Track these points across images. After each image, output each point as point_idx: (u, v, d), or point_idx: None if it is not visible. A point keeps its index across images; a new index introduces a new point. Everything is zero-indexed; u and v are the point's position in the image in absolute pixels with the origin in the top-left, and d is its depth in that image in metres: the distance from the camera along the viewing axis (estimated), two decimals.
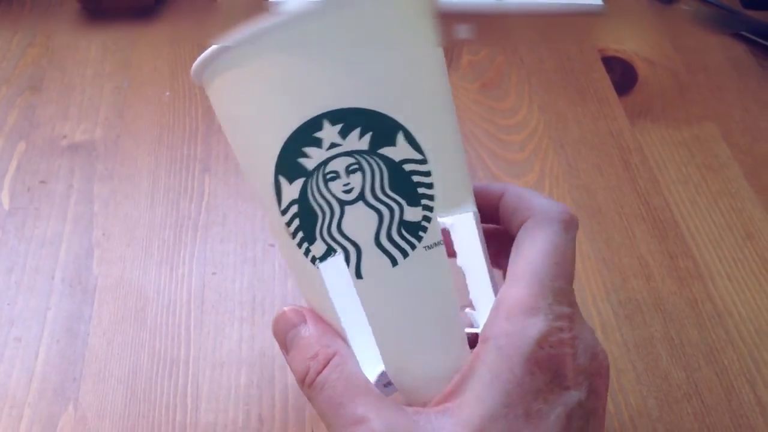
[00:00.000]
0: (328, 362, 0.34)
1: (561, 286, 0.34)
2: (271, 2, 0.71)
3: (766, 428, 0.45)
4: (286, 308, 0.37)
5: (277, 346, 0.48)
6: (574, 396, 0.32)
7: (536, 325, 0.33)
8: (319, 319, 0.36)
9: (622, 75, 0.67)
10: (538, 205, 0.36)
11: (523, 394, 0.32)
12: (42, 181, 0.57)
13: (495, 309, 0.34)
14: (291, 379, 0.46)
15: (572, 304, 0.34)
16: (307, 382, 0.34)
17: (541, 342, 0.32)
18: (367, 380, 0.34)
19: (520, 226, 0.36)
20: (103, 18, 0.71)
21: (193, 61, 0.34)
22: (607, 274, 0.52)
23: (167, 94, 0.64)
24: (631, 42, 0.70)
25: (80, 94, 0.64)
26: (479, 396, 0.32)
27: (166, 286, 0.51)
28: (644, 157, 0.60)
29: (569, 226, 0.36)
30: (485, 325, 0.34)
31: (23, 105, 0.63)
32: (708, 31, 0.71)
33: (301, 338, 0.35)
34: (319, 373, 0.34)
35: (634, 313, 0.50)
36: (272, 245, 0.54)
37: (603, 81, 0.66)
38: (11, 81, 0.65)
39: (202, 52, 0.33)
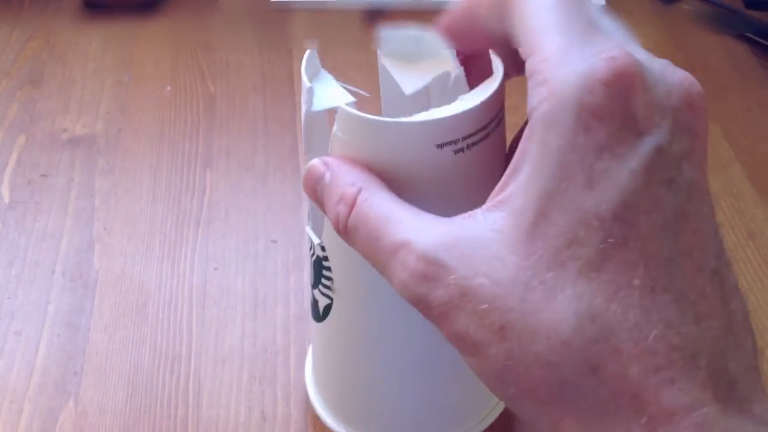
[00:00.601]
0: (354, 201, 0.30)
1: (589, 17, 0.27)
2: (273, 1, 0.71)
3: None
4: (313, 161, 0.33)
5: (279, 341, 0.48)
6: (650, 141, 0.25)
7: (578, 67, 0.25)
8: (342, 162, 0.32)
9: None
10: None
11: (582, 157, 0.25)
12: (43, 175, 0.57)
13: (528, 86, 0.27)
14: (294, 374, 0.46)
15: (617, 32, 0.28)
16: (341, 230, 0.31)
17: (591, 85, 0.25)
18: (401, 203, 0.30)
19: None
20: (104, 12, 0.71)
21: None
22: None
23: (168, 89, 0.64)
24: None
25: (81, 89, 0.64)
26: (530, 176, 0.26)
27: (167, 282, 0.51)
28: None
29: None
30: (528, 105, 0.27)
31: (23, 99, 0.63)
32: (710, 31, 0.71)
33: (327, 186, 0.32)
34: (348, 215, 0.30)
35: None
36: (274, 241, 0.53)
37: None
38: (11, 74, 0.65)
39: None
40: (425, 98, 0.36)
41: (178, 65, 0.66)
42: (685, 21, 0.73)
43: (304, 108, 0.34)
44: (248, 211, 0.55)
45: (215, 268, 0.52)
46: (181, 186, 0.57)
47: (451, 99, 0.32)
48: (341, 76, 0.64)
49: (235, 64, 0.66)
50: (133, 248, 0.53)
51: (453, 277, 0.27)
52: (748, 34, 0.70)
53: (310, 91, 0.34)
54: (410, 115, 0.32)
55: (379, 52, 0.37)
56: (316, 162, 0.33)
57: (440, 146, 0.31)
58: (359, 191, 0.31)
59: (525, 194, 0.26)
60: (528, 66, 0.27)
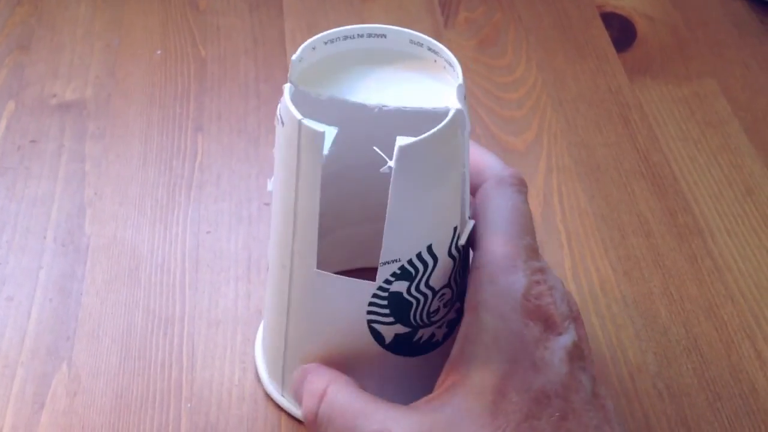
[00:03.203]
0: (323, 394, 0.35)
1: (529, 243, 0.36)
2: None
3: (766, 382, 0.45)
4: (296, 371, 0.39)
5: None
6: (567, 339, 0.34)
7: (519, 282, 0.34)
8: (311, 367, 0.38)
9: (621, 31, 0.66)
10: (490, 169, 0.38)
11: (525, 346, 0.33)
12: (32, 141, 0.56)
13: (475, 275, 0.36)
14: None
15: (540, 257, 0.37)
16: (309, 423, 0.36)
17: (526, 295, 0.34)
18: (369, 395, 0.35)
19: (476, 187, 0.38)
20: None
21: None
22: (606, 230, 0.52)
23: (158, 52, 0.63)
24: None
25: (70, 53, 0.63)
26: (485, 360, 0.33)
27: (159, 246, 0.51)
28: (643, 113, 0.59)
29: (521, 188, 0.38)
30: (469, 294, 0.36)
31: (12, 64, 0.62)
32: None
33: (301, 389, 0.37)
34: (318, 407, 0.35)
35: (633, 270, 0.50)
36: (267, 204, 0.53)
37: (601, 37, 0.65)
38: (0, 40, 0.64)
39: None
40: None
41: (168, 28, 0.65)
42: None
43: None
44: (240, 174, 0.55)
45: (208, 232, 0.51)
46: (173, 150, 0.56)
47: None
48: None
49: (226, 26, 0.65)
50: (125, 213, 0.52)
51: None
52: None
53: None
54: None
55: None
56: (296, 372, 0.39)
57: None
58: (326, 387, 0.35)
59: (482, 375, 0.33)
60: (478, 255, 0.36)
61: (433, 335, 0.39)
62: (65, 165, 0.55)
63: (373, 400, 0.35)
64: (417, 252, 0.35)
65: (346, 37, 0.37)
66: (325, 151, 0.35)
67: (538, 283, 0.35)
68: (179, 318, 0.47)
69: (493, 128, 0.58)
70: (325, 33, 0.37)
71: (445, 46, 0.37)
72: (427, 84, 0.36)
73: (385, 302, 0.36)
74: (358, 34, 0.37)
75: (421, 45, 0.37)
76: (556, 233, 0.52)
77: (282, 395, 0.43)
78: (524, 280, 0.34)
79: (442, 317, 0.38)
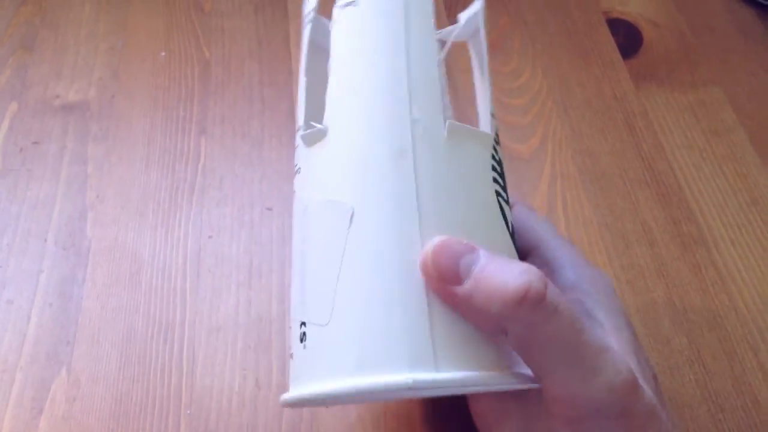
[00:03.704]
0: (545, 282, 0.29)
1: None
2: None
3: None
4: (442, 238, 0.30)
5: (274, 310, 0.47)
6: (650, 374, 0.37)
7: (603, 395, 0.31)
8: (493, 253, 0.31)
9: (627, 37, 0.66)
10: (550, 244, 0.39)
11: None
12: (35, 142, 0.56)
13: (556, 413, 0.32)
14: (289, 343, 0.46)
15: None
16: (531, 300, 0.28)
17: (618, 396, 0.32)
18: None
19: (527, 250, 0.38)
20: None
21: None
22: (610, 239, 0.52)
23: (162, 54, 0.63)
24: (636, 3, 0.68)
25: (74, 54, 0.63)
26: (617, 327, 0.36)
27: (161, 250, 0.50)
28: (649, 121, 0.59)
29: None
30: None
31: (15, 65, 0.62)
32: None
33: (486, 260, 0.29)
34: (545, 290, 0.29)
35: (636, 279, 0.50)
36: (270, 209, 0.53)
37: (607, 44, 0.65)
38: (3, 41, 0.64)
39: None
40: None
41: (173, 30, 0.65)
42: None
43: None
44: (243, 178, 0.55)
45: (210, 236, 0.51)
46: (176, 153, 0.56)
47: None
48: None
49: (231, 28, 0.65)
50: (127, 216, 0.52)
51: (648, 397, 0.32)
52: None
53: None
54: None
55: None
56: (455, 240, 0.30)
57: None
58: (542, 276, 0.29)
59: (619, 340, 0.35)
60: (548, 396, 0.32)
61: None
62: (67, 167, 0.55)
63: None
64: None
65: None
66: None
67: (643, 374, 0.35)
68: (180, 323, 0.47)
69: (499, 134, 0.58)
70: None
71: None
72: None
73: (499, 169, 0.34)
74: None
75: None
76: None
77: (437, 371, 0.30)
78: (606, 393, 0.31)
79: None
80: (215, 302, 0.48)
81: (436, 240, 0.30)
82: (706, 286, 0.49)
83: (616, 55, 0.64)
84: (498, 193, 0.32)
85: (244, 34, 0.65)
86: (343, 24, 0.33)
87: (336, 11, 0.33)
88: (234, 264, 0.50)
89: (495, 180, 0.32)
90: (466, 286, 0.29)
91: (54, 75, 0.61)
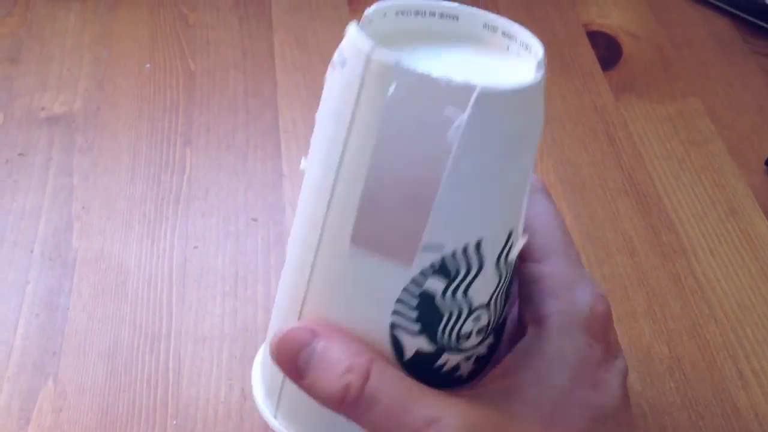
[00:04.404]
0: (369, 371, 0.30)
1: (577, 254, 0.35)
2: None
3: (748, 402, 0.45)
4: (287, 328, 0.31)
5: (260, 320, 0.48)
6: (622, 362, 0.34)
7: (584, 298, 0.33)
8: (335, 329, 0.31)
9: (607, 49, 0.67)
10: None
11: (588, 366, 0.32)
12: (20, 154, 0.56)
13: (535, 288, 0.34)
14: None
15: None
16: (349, 401, 0.30)
17: (594, 314, 0.33)
18: (413, 379, 0.31)
19: None
20: None
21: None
22: (591, 249, 0.52)
23: (147, 65, 0.63)
24: (615, 16, 0.69)
25: (59, 65, 0.63)
26: (547, 374, 0.32)
27: (147, 260, 0.51)
28: (628, 132, 0.60)
29: (549, 193, 0.37)
30: (532, 304, 0.34)
31: (1, 76, 0.62)
32: (691, 1, 0.71)
33: (320, 355, 0.30)
34: (365, 383, 0.30)
35: (616, 288, 0.50)
36: (255, 219, 0.53)
37: (587, 56, 0.66)
38: None
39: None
40: None
41: (158, 41, 0.65)
42: None
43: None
44: (229, 188, 0.55)
45: (195, 247, 0.52)
46: (161, 164, 0.56)
47: None
48: (321, 53, 0.64)
49: (215, 40, 0.66)
50: (113, 227, 0.53)
51: None
52: (730, 9, 0.69)
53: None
54: None
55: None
56: (298, 329, 0.31)
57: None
58: (372, 361, 0.30)
59: (540, 388, 0.31)
60: (533, 267, 0.34)
61: (457, 367, 0.34)
62: (53, 178, 0.55)
63: (418, 384, 0.31)
64: (464, 244, 0.29)
65: (417, 13, 0.33)
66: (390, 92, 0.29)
67: (602, 298, 0.34)
68: (166, 334, 0.47)
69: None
70: (398, 2, 0.32)
71: None
72: (497, 69, 0.32)
73: (414, 302, 0.31)
74: (429, 12, 0.33)
75: (496, 30, 0.33)
76: None
77: (275, 417, 0.37)
78: (589, 296, 0.33)
79: (473, 347, 0.34)
80: (201, 312, 0.48)
81: (278, 333, 0.31)
82: (686, 295, 0.50)
83: (596, 67, 0.65)
84: (395, 326, 0.31)
85: (229, 46, 0.65)
86: (329, 88, 0.31)
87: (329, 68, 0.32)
88: (220, 274, 0.50)
89: (397, 312, 0.31)
90: (304, 383, 0.31)
91: (39, 86, 0.61)
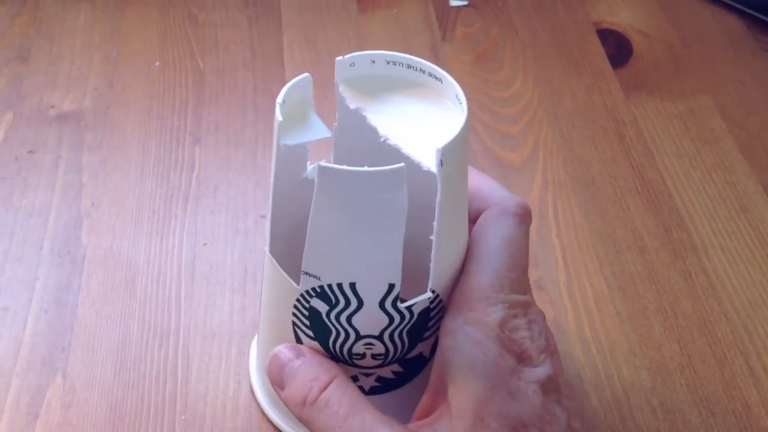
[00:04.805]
0: (330, 382, 0.35)
1: (516, 277, 0.36)
2: None
3: (759, 399, 0.45)
4: (278, 348, 0.37)
5: None
6: (542, 371, 0.35)
7: (496, 312, 0.35)
8: (315, 351, 0.37)
9: (617, 47, 0.66)
10: (494, 197, 0.38)
11: (501, 374, 0.34)
12: (30, 151, 0.57)
13: (455, 300, 0.36)
14: None
15: (526, 291, 0.37)
16: (308, 401, 0.35)
17: (502, 327, 0.35)
18: (370, 402, 0.35)
19: (477, 214, 0.38)
20: None
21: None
22: (601, 246, 0.52)
23: (157, 64, 0.63)
24: (625, 14, 0.69)
25: (69, 64, 0.63)
26: (463, 384, 0.34)
27: (156, 257, 0.51)
28: (639, 130, 0.60)
29: (523, 219, 0.38)
30: (447, 317, 0.36)
31: (10, 75, 0.62)
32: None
33: (297, 368, 0.36)
34: (323, 391, 0.35)
35: (627, 285, 0.50)
36: (263, 217, 0.53)
37: (598, 53, 0.66)
38: None
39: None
40: None
41: (167, 40, 0.65)
42: None
43: (274, 142, 0.35)
44: (237, 186, 0.55)
45: (204, 244, 0.52)
46: (170, 162, 0.56)
47: None
48: (330, 52, 0.64)
49: (224, 39, 0.66)
50: (122, 224, 0.53)
51: None
52: (740, 6, 0.69)
53: (281, 126, 0.34)
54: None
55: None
56: (284, 348, 0.37)
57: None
58: (335, 377, 0.35)
59: (459, 399, 0.33)
60: (461, 281, 0.36)
61: (356, 378, 0.38)
62: (63, 176, 0.55)
63: (366, 401, 0.35)
64: (338, 281, 0.34)
65: (388, 63, 0.38)
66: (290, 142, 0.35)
67: (515, 316, 0.35)
68: (174, 330, 0.47)
69: (490, 143, 0.58)
70: (386, 53, 0.37)
71: (443, 60, 0.37)
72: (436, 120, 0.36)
73: (306, 313, 0.36)
74: (406, 64, 0.37)
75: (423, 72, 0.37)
76: (551, 248, 0.52)
77: (270, 408, 0.43)
78: (502, 312, 0.35)
79: (371, 367, 0.38)
80: (210, 309, 0.48)
81: (273, 350, 0.37)
82: (697, 292, 0.50)
83: (606, 65, 0.65)
84: (295, 324, 0.37)
85: (238, 45, 0.65)
86: None
87: None
88: (228, 271, 0.50)
89: (294, 315, 0.37)
90: (282, 394, 0.37)
91: (49, 85, 0.61)
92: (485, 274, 0.35)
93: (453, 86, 0.35)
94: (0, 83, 0.62)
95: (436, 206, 0.33)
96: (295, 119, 0.36)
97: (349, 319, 0.35)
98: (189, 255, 0.51)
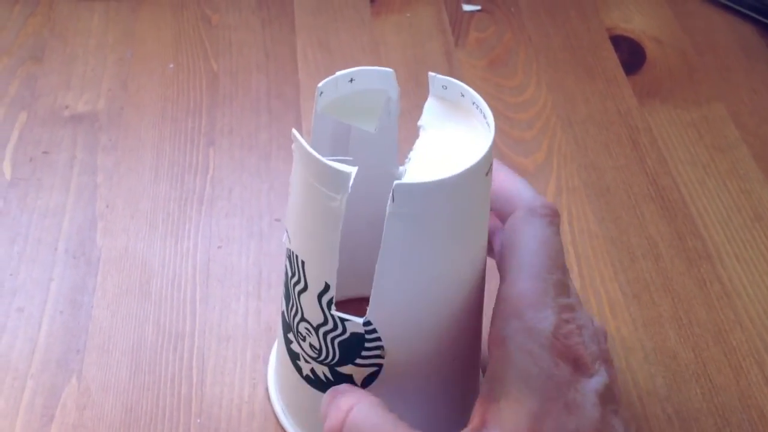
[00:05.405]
0: (347, 413, 0.34)
1: (559, 278, 0.35)
2: None
3: None
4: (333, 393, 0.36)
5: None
6: (599, 381, 0.33)
7: (547, 319, 0.33)
8: (343, 387, 0.36)
9: (630, 54, 0.66)
10: (522, 199, 0.37)
11: (557, 386, 0.32)
12: (44, 152, 0.57)
13: (501, 309, 0.34)
14: None
15: (571, 294, 0.35)
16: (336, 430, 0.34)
17: (555, 334, 0.33)
18: (396, 418, 0.34)
19: (502, 214, 0.37)
20: None
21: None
22: (616, 253, 0.52)
23: (171, 66, 0.63)
24: (639, 20, 0.69)
25: (83, 65, 0.63)
26: (517, 399, 0.32)
27: (171, 260, 0.51)
28: (653, 137, 0.60)
29: (553, 219, 0.37)
30: (495, 326, 0.34)
31: (24, 75, 0.62)
32: (715, 6, 0.70)
33: (334, 405, 0.35)
34: (342, 425, 0.34)
35: (642, 293, 0.50)
36: (278, 220, 0.53)
37: (611, 60, 0.66)
38: (12, 51, 0.64)
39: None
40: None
41: (181, 42, 0.65)
42: (689, 0, 0.72)
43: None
44: (252, 189, 0.55)
45: (219, 247, 0.52)
46: (184, 164, 0.56)
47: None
48: (344, 56, 0.64)
49: (238, 41, 0.66)
50: (136, 226, 0.53)
51: None
52: (753, 15, 0.69)
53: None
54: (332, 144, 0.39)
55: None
56: (327, 393, 0.36)
57: (486, 173, 0.34)
58: (355, 402, 0.34)
59: (516, 416, 0.31)
60: (504, 288, 0.35)
61: (313, 371, 0.38)
62: (77, 177, 0.55)
63: (401, 423, 0.33)
64: (296, 253, 0.35)
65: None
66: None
67: (567, 321, 0.33)
68: (189, 333, 0.47)
69: (504, 148, 0.58)
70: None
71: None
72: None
73: (287, 262, 0.37)
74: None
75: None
76: (565, 255, 0.52)
77: (285, 414, 0.43)
78: (553, 318, 0.33)
79: (309, 357, 0.38)
80: (225, 312, 0.48)
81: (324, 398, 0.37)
82: (712, 300, 0.50)
83: (620, 71, 0.65)
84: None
85: (252, 47, 0.65)
86: None
87: None
88: (243, 274, 0.50)
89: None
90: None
91: (63, 85, 0.61)
92: (527, 279, 0.34)
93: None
94: (14, 83, 0.61)
95: (382, 240, 0.32)
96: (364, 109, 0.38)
97: (298, 295, 0.36)
98: (204, 258, 0.51)
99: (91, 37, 0.66)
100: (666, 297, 0.50)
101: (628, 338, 0.48)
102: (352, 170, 0.32)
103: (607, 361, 0.35)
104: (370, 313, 0.34)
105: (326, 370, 0.38)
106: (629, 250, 0.52)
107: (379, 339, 0.35)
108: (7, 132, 0.58)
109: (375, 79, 0.38)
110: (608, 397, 0.33)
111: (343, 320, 0.35)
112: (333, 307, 0.35)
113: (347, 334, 0.35)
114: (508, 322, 0.34)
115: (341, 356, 0.36)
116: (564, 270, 0.35)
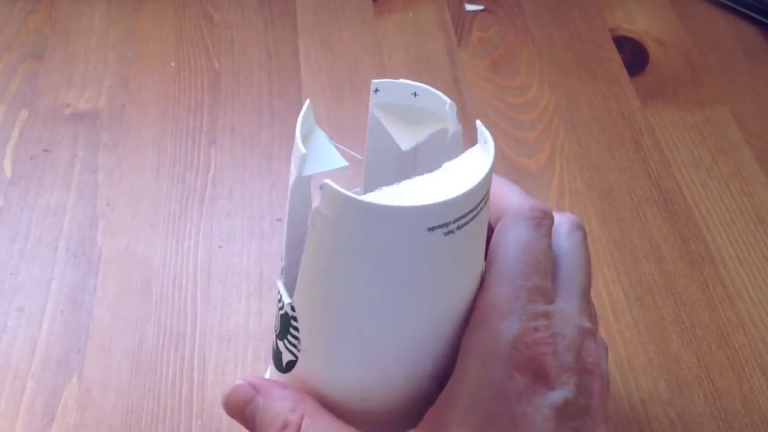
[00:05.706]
0: (299, 428, 0.33)
1: (535, 285, 0.33)
2: None
3: None
4: (237, 382, 0.35)
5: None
6: (559, 395, 0.31)
7: (509, 328, 0.32)
8: (273, 384, 0.34)
9: (633, 55, 0.66)
10: (510, 203, 0.35)
11: (505, 399, 0.31)
12: (45, 150, 0.56)
13: (471, 318, 0.33)
14: None
15: (551, 300, 0.33)
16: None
17: (516, 344, 0.31)
18: (343, 425, 0.33)
19: (496, 221, 0.35)
20: None
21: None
22: (618, 255, 0.52)
23: (172, 64, 0.63)
24: (642, 21, 0.69)
25: (84, 63, 0.63)
26: (464, 410, 0.31)
27: (172, 259, 0.51)
28: (656, 138, 0.59)
29: (541, 222, 0.35)
30: (465, 336, 0.33)
31: (26, 73, 0.62)
32: (719, 8, 0.70)
33: (258, 410, 0.34)
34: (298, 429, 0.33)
35: (645, 295, 0.50)
36: (279, 220, 0.53)
37: (614, 61, 0.66)
38: (13, 48, 0.64)
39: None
40: (412, 156, 0.36)
41: (182, 41, 0.65)
42: (693, 2, 0.72)
43: (294, 173, 0.33)
44: (253, 188, 0.55)
45: (220, 246, 0.51)
46: (186, 163, 0.56)
47: (444, 157, 0.33)
48: (346, 55, 0.64)
49: (240, 40, 0.65)
50: (137, 225, 0.52)
51: None
52: (757, 16, 0.69)
53: (303, 157, 0.32)
54: (396, 172, 0.35)
55: (372, 102, 0.36)
56: (242, 384, 0.35)
57: (431, 229, 0.29)
58: (302, 417, 0.33)
59: (459, 425, 0.31)
60: (478, 294, 0.33)
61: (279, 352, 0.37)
62: (78, 175, 0.55)
63: (345, 426, 0.33)
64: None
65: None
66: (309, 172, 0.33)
67: (536, 329, 0.32)
68: (190, 333, 0.47)
69: (506, 149, 0.58)
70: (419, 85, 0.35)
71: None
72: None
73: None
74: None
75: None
76: None
77: None
78: (517, 326, 0.32)
79: (290, 345, 0.35)
80: (226, 312, 0.48)
81: (225, 390, 0.36)
82: (714, 303, 0.50)
83: (623, 73, 0.65)
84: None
85: (254, 46, 0.65)
86: None
87: None
88: (244, 274, 0.50)
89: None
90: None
91: (64, 83, 0.61)
92: (498, 286, 0.33)
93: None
94: (15, 81, 0.61)
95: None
96: (312, 148, 0.34)
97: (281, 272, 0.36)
98: (205, 257, 0.51)
99: (93, 35, 0.65)
100: (668, 300, 0.50)
101: (631, 341, 0.48)
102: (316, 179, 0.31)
103: (588, 373, 0.33)
104: (296, 297, 0.33)
105: (280, 344, 0.36)
106: (632, 252, 0.52)
107: (297, 330, 0.34)
108: (7, 130, 0.58)
109: (436, 102, 0.35)
110: (569, 413, 0.31)
111: (279, 291, 0.34)
112: (282, 276, 0.35)
113: (283, 307, 0.34)
114: (473, 332, 0.32)
115: (279, 331, 0.35)
116: (546, 276, 0.34)
